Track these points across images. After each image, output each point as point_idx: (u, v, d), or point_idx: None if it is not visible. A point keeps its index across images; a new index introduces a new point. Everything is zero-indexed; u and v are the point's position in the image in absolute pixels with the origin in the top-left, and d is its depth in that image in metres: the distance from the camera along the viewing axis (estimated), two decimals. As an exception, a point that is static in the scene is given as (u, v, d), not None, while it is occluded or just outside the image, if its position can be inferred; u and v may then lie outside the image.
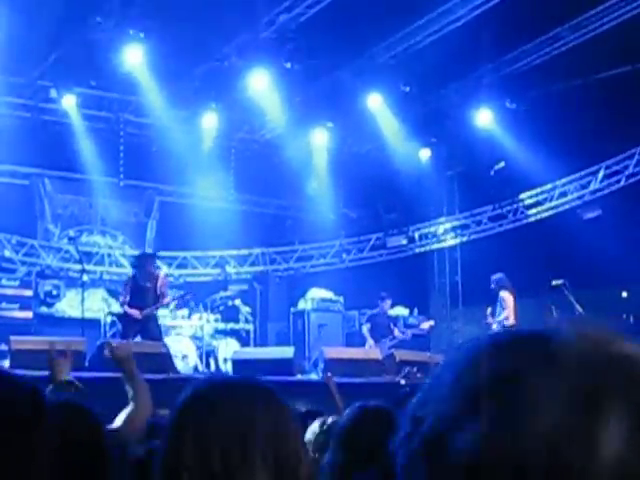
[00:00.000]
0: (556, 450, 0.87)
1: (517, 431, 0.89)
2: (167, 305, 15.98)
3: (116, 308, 18.24)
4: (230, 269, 20.39)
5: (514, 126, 18.52)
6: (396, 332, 17.25)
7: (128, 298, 14.98)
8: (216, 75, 17.85)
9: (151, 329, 14.79)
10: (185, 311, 17.31)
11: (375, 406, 3.98)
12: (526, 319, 18.06)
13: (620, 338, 0.95)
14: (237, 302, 18.62)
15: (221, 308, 18.10)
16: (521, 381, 0.91)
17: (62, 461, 1.67)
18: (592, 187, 18.75)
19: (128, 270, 18.70)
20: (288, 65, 17.05)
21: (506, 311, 16.45)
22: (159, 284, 15.07)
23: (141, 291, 14.91)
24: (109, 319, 17.11)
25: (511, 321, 16.42)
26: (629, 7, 15.65)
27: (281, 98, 18.78)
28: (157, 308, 15.06)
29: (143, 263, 15.49)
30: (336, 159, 21.44)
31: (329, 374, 9.98)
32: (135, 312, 14.71)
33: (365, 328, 17.18)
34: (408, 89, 18.35)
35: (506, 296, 16.44)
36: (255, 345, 18.18)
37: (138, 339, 14.52)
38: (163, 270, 17.02)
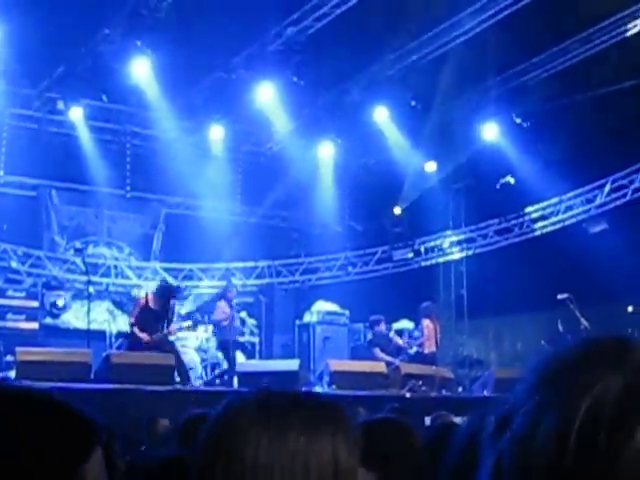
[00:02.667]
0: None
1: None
2: (172, 334, 15.54)
3: (122, 321, 18.23)
4: (236, 281, 20.37)
5: (520, 140, 18.51)
6: (400, 342, 17.24)
7: (137, 319, 14.60)
8: (223, 87, 17.87)
9: (163, 349, 14.47)
10: (190, 322, 17.25)
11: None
12: (531, 333, 18.08)
13: None
14: (242, 314, 18.59)
15: (227, 320, 18.04)
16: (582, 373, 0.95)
17: None
18: (598, 201, 18.72)
19: (134, 281, 18.66)
20: (295, 78, 17.07)
21: (423, 338, 16.79)
22: (169, 310, 14.86)
23: (153, 314, 14.57)
24: (115, 331, 17.08)
25: (427, 349, 16.76)
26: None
27: (288, 110, 18.81)
28: (166, 335, 14.64)
29: (166, 295, 15.13)
30: (342, 172, 21.45)
31: None
32: (145, 336, 14.34)
33: (378, 351, 17.03)
34: (414, 102, 18.37)
35: (426, 324, 16.98)
36: (260, 357, 18.15)
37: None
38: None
